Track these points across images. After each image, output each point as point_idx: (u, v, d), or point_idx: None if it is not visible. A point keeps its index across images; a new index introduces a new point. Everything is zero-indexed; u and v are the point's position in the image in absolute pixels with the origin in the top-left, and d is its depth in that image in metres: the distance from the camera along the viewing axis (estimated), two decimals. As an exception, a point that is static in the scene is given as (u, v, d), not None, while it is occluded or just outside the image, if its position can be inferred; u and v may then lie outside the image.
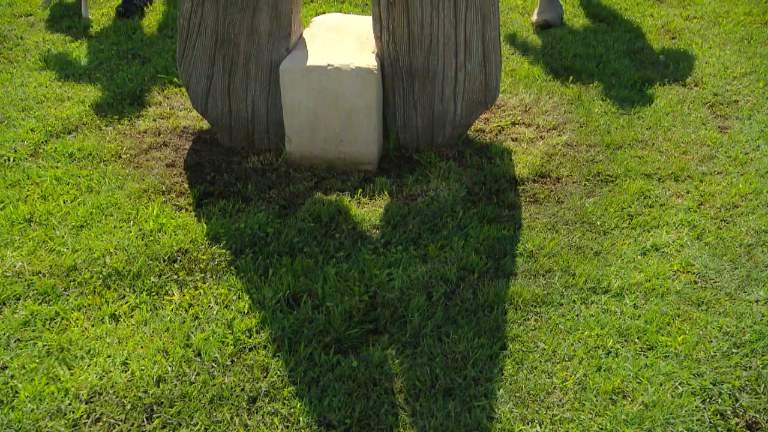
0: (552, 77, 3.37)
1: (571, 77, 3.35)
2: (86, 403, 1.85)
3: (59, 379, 1.90)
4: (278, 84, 2.74)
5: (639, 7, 4.04)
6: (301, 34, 2.88)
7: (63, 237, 2.41)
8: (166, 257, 2.32)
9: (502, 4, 3.98)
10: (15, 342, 2.03)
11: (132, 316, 2.12)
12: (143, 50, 3.62)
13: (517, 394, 1.87)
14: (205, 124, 3.00)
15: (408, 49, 2.73)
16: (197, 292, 2.20)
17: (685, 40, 3.69)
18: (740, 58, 3.50)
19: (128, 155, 2.85)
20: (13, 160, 2.81)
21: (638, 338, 2.03)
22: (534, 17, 3.93)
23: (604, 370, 1.93)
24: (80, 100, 3.19)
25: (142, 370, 1.93)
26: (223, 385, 1.89)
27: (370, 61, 2.68)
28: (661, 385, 1.90)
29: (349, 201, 2.59)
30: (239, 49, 2.76)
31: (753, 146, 2.89)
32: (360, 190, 2.64)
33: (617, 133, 2.96)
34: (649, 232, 2.45)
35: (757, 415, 1.82)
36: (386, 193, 2.63)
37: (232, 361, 1.96)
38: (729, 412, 1.83)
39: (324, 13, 3.85)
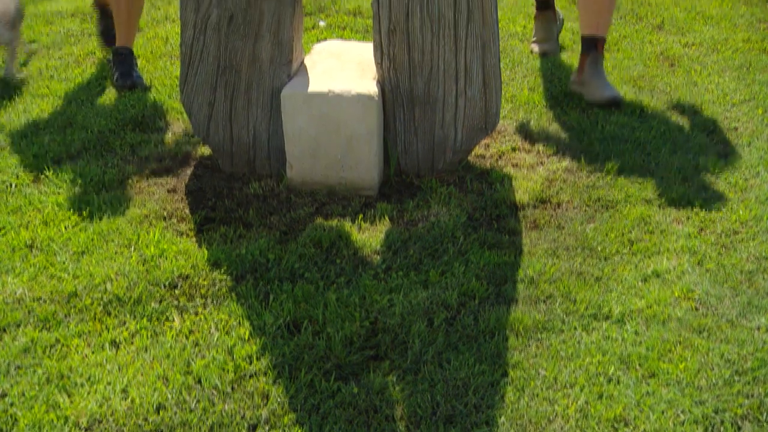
0: (552, 103, 3.38)
1: (571, 103, 3.37)
2: (86, 431, 1.84)
3: (59, 407, 1.90)
4: (280, 110, 2.76)
5: (638, 34, 4.07)
6: (303, 61, 2.90)
7: (64, 263, 2.42)
8: (166, 283, 2.32)
9: (502, 31, 4.01)
10: (15, 369, 2.03)
11: (132, 343, 2.11)
12: (145, 76, 3.64)
13: (518, 422, 1.86)
14: (206, 150, 3.01)
15: (408, 76, 2.75)
16: (198, 318, 2.19)
17: (684, 67, 3.72)
18: (739, 85, 3.52)
19: (130, 181, 2.86)
20: (15, 186, 2.82)
21: (640, 365, 2.03)
22: (533, 47, 3.92)
23: (605, 398, 1.93)
24: (83, 127, 3.20)
25: (142, 397, 1.92)
26: (224, 413, 1.88)
27: (371, 87, 2.70)
28: (663, 413, 1.89)
29: (350, 226, 2.59)
30: (241, 75, 2.78)
31: (753, 173, 2.90)
32: (361, 216, 2.64)
33: (617, 159, 2.97)
34: (649, 258, 2.45)
35: (760, 443, 1.81)
36: (387, 218, 2.64)
37: (232, 388, 1.96)
38: (731, 440, 1.82)
39: (325, 39, 3.88)
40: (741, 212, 2.66)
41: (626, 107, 3.34)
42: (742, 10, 4.35)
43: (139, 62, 3.74)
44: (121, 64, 3.57)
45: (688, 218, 2.64)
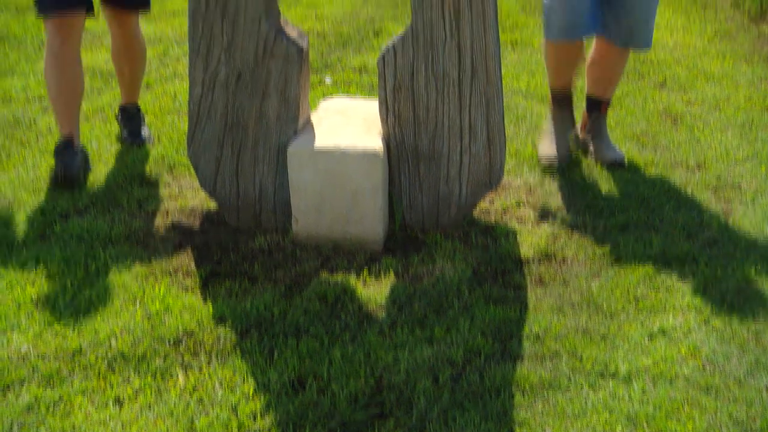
0: (556, 159, 3.41)
1: (574, 159, 3.39)
2: (87, 490, 1.82)
3: (61, 465, 1.88)
4: (286, 165, 2.78)
5: (641, 92, 4.11)
6: (309, 117, 2.94)
7: (69, 319, 2.41)
8: (171, 339, 2.32)
9: (505, 88, 4.05)
10: (18, 428, 2.01)
11: (136, 400, 2.10)
12: (153, 132, 3.68)
13: (525, 483, 1.84)
14: (212, 205, 3.03)
15: (413, 132, 2.78)
16: (202, 375, 2.18)
17: (687, 124, 3.75)
18: (742, 142, 3.55)
19: (137, 236, 2.87)
20: (22, 242, 2.83)
21: (647, 424, 2.01)
22: (540, 153, 3.41)
23: (613, 458, 1.91)
24: (91, 181, 3.23)
25: (145, 455, 1.91)
26: (227, 472, 1.86)
27: (376, 143, 2.72)
28: (671, 473, 1.87)
29: (355, 281, 2.59)
30: (248, 132, 2.82)
31: (757, 230, 2.90)
32: (366, 270, 2.65)
33: (622, 216, 2.98)
34: (655, 315, 2.44)
35: (771, 506, 1.78)
36: (392, 273, 2.64)
37: (236, 447, 1.94)
38: (742, 503, 1.79)
39: (331, 95, 3.93)
40: (746, 270, 2.65)
41: (630, 163, 3.36)
42: (743, 68, 4.40)
43: (148, 118, 3.78)
44: (130, 122, 3.59)
45: (693, 275, 2.63)
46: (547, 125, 3.48)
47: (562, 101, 3.47)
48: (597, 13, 3.19)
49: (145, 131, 3.59)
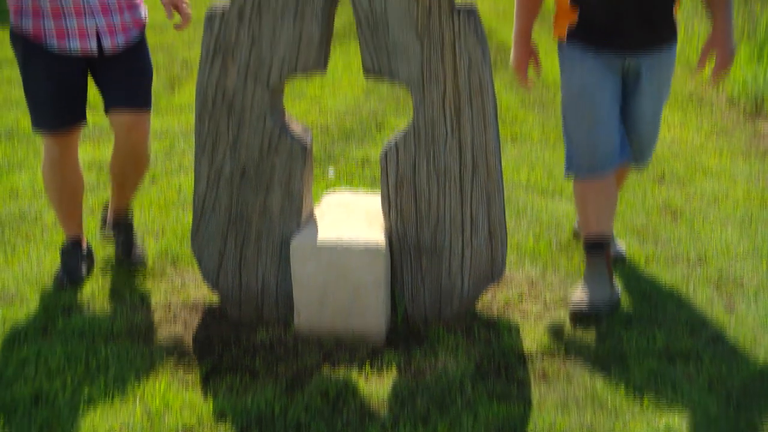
0: (557, 252, 3.42)
1: (576, 252, 3.40)
2: None
3: None
4: (289, 259, 2.80)
5: (640, 186, 4.16)
6: (312, 210, 2.97)
7: (68, 417, 2.38)
8: (170, 436, 2.28)
9: (506, 181, 4.11)
10: None
11: (133, 500, 2.06)
12: (157, 225, 3.71)
13: None
14: (215, 298, 3.03)
15: (415, 226, 2.81)
16: (201, 473, 2.15)
17: (687, 219, 3.78)
18: (742, 237, 3.57)
19: (138, 331, 2.86)
20: (24, 337, 2.82)
21: None
22: (572, 299, 2.98)
23: None
24: (93, 277, 3.23)
25: None
26: None
27: (378, 237, 2.75)
28: None
29: (357, 376, 2.57)
30: (251, 226, 2.84)
31: (761, 328, 2.89)
32: (368, 364, 2.63)
33: (625, 312, 2.97)
34: (661, 413, 2.41)
35: None
36: (394, 367, 2.62)
37: None
38: None
39: (334, 189, 3.98)
40: (751, 367, 2.63)
41: (631, 257, 3.37)
42: (740, 164, 4.46)
43: (152, 211, 3.82)
44: (125, 238, 3.32)
45: (698, 373, 2.61)
46: (583, 275, 3.05)
47: (597, 249, 2.98)
48: (624, 138, 3.00)
49: (138, 250, 3.35)
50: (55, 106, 3.02)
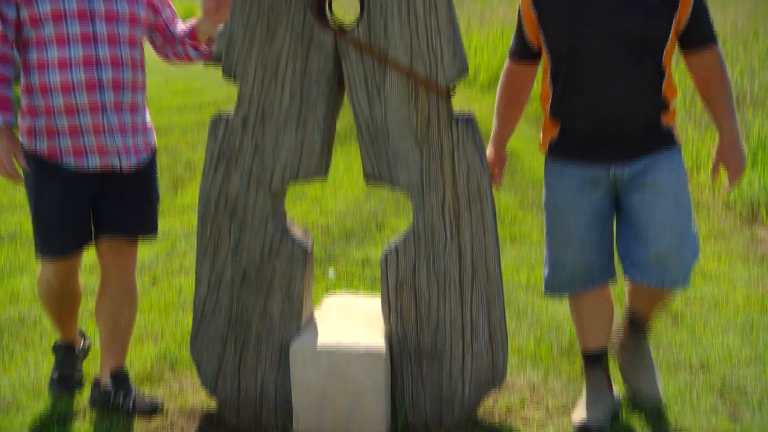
0: (558, 355, 3.40)
1: (577, 355, 3.38)
2: None
3: None
4: (288, 363, 2.78)
5: (639, 289, 4.15)
6: (312, 313, 2.97)
7: None
8: None
9: (506, 282, 4.11)
10: None
11: None
12: (157, 328, 3.69)
13: None
14: (212, 404, 2.99)
15: (416, 330, 2.80)
16: None
17: (688, 324, 3.76)
18: (744, 343, 3.54)
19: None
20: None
21: None
22: (573, 418, 2.92)
23: None
24: (91, 382, 3.17)
25: None
26: None
27: (378, 341, 2.74)
28: None
29: (356, 486, 2.51)
30: (251, 329, 2.84)
31: (766, 435, 2.85)
32: (367, 474, 2.57)
33: (629, 418, 2.93)
34: None
35: None
36: (394, 476, 2.57)
37: None
38: None
39: (334, 291, 3.98)
40: (759, 476, 2.58)
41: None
42: (739, 269, 4.47)
43: (152, 315, 3.81)
44: (123, 385, 3.03)
45: (704, 483, 2.55)
46: (583, 391, 3.00)
47: (594, 362, 2.98)
48: (625, 250, 2.83)
49: (138, 397, 3.01)
50: (64, 228, 2.89)
